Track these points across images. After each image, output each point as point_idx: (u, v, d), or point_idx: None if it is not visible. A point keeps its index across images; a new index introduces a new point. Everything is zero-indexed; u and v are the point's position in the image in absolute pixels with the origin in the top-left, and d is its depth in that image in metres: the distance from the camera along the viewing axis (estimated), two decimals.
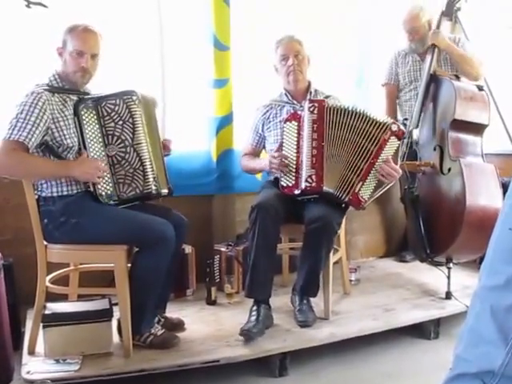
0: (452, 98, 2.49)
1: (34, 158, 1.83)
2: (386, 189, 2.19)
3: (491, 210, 2.30)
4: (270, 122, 2.41)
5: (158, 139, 2.10)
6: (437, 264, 2.59)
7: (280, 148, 2.25)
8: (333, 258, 2.29)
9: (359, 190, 2.13)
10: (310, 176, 2.15)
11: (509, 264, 0.67)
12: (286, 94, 2.42)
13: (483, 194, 2.35)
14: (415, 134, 2.72)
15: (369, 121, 2.15)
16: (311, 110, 2.18)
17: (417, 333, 2.35)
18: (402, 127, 2.18)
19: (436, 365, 2.02)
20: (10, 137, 1.76)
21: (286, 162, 2.19)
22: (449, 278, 2.47)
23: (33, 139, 1.77)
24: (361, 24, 3.20)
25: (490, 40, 3.33)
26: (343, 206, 2.21)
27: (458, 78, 2.68)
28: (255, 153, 2.48)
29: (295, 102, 2.39)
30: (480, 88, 2.58)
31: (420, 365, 2.11)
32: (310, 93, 2.39)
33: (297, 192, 2.18)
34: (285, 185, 2.22)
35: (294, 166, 2.20)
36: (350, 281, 2.71)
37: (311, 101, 2.22)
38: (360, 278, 2.81)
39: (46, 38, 2.27)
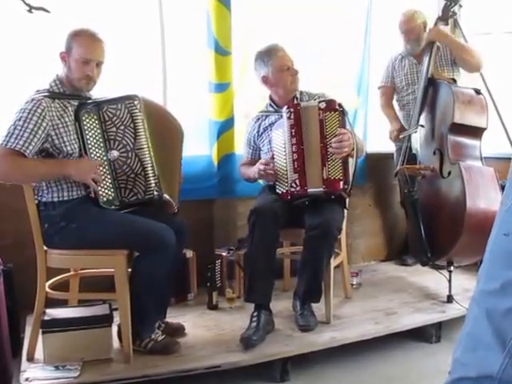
0: (450, 102, 2.49)
1: (28, 160, 1.81)
2: (355, 161, 2.16)
3: (491, 213, 2.29)
4: (261, 133, 2.43)
5: (179, 167, 2.12)
6: (438, 267, 2.59)
7: (272, 158, 2.28)
8: (334, 262, 2.29)
9: (327, 174, 2.15)
10: (293, 181, 2.19)
11: (505, 269, 0.67)
12: (271, 104, 2.43)
13: (483, 197, 2.35)
14: (414, 138, 2.72)
15: (311, 110, 2.18)
16: (288, 115, 2.21)
17: (418, 336, 2.34)
18: (330, 99, 2.21)
19: (438, 369, 2.01)
20: (6, 144, 1.76)
21: (270, 168, 2.22)
22: (450, 281, 2.47)
23: (30, 147, 1.77)
24: (361, 30, 3.20)
25: (489, 45, 3.34)
26: (333, 197, 2.21)
27: (455, 81, 2.69)
28: (253, 163, 2.48)
29: (281, 109, 2.37)
30: (478, 91, 2.59)
31: (422, 369, 2.10)
32: (296, 98, 2.38)
33: (289, 197, 2.21)
34: (280, 192, 2.25)
35: (286, 173, 2.23)
36: (352, 285, 2.70)
37: (288, 106, 2.24)
38: (361, 282, 2.81)
39: (49, 43, 2.27)
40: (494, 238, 0.72)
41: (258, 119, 2.45)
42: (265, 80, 2.36)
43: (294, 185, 2.19)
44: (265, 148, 2.41)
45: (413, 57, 2.95)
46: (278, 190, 2.25)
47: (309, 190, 2.18)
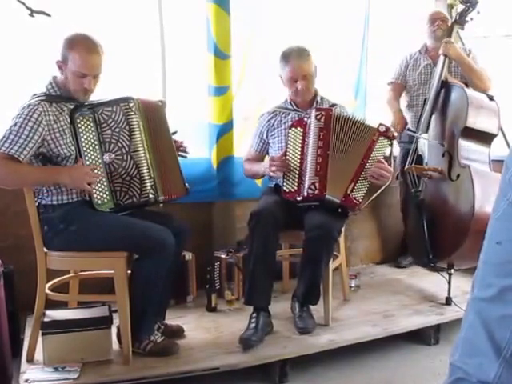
0: (464, 106, 2.47)
1: (23, 166, 1.81)
2: (381, 190, 2.21)
3: None
4: (274, 128, 2.41)
5: (169, 146, 2.09)
6: (437, 269, 2.59)
7: (284, 154, 2.25)
8: (332, 265, 2.30)
9: (351, 191, 2.15)
10: (313, 183, 2.16)
11: (499, 277, 0.69)
12: (290, 103, 2.42)
13: (491, 202, 2.34)
14: (424, 138, 2.70)
15: (362, 126, 2.21)
16: (318, 118, 2.19)
17: (417, 339, 2.34)
18: (390, 127, 2.25)
19: (436, 371, 2.02)
20: (0, 148, 1.76)
21: (287, 164, 2.20)
22: (449, 283, 2.47)
23: (25, 152, 1.77)
24: (359, 33, 3.21)
25: (487, 48, 3.35)
26: (340, 210, 2.22)
27: (467, 85, 2.68)
28: (258, 158, 2.48)
29: (300, 109, 2.39)
30: (491, 98, 2.58)
31: (420, 371, 2.11)
32: (317, 102, 2.39)
33: (299, 198, 2.19)
34: (287, 190, 2.22)
35: (297, 172, 2.21)
36: (350, 287, 2.71)
37: (318, 109, 2.24)
38: (360, 284, 2.81)
39: (49, 47, 2.29)
40: (486, 247, 0.73)
41: (276, 114, 2.42)
42: (281, 79, 2.37)
43: (312, 187, 2.15)
44: (275, 145, 2.39)
45: (428, 56, 2.97)
46: (284, 188, 2.22)
47: (327, 196, 2.15)
